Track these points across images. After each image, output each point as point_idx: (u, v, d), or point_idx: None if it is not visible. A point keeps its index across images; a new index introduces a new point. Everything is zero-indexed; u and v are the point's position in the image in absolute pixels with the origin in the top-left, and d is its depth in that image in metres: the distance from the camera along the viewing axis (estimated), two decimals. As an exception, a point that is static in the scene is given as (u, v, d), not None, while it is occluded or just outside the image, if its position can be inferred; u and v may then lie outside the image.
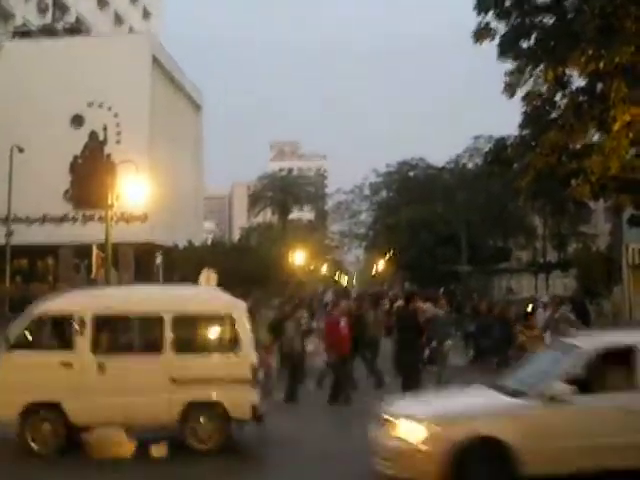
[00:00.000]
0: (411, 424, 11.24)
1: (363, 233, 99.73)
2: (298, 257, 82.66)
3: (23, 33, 63.01)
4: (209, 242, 69.72)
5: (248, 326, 15.22)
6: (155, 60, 63.26)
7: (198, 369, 14.76)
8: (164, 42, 68.13)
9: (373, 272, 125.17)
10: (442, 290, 63.37)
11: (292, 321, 22.20)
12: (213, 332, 15.64)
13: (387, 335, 27.06)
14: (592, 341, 12.52)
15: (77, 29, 66.70)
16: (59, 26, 66.29)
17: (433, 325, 22.07)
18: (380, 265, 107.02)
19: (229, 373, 14.66)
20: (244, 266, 56.00)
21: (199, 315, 15.57)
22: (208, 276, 36.80)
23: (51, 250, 59.04)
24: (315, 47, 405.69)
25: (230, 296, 16.08)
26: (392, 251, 76.15)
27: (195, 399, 14.57)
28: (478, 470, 10.82)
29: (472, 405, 11.84)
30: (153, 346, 15.03)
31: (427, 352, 19.27)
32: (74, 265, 58.01)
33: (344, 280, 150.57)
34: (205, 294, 18.17)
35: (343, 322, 20.22)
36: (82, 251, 53.00)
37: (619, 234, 39.94)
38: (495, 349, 25.94)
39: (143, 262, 58.32)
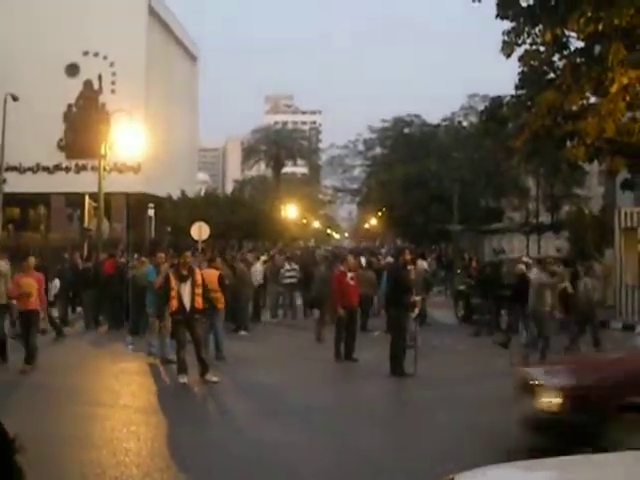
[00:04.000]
0: None
1: (356, 189, 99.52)
2: (291, 211, 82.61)
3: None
4: (202, 193, 69.52)
5: None
6: (151, 10, 62.67)
7: None
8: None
9: (365, 228, 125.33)
10: (433, 248, 63.64)
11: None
12: None
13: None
14: None
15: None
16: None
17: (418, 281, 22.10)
18: (372, 221, 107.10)
19: None
20: (237, 218, 55.93)
21: None
22: (200, 228, 36.82)
23: (43, 199, 58.92)
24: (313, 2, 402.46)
25: None
26: (384, 208, 76.03)
27: None
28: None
29: None
30: None
31: (416, 311, 19.21)
32: (66, 215, 57.92)
33: (336, 235, 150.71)
34: None
35: (350, 276, 20.14)
36: (74, 201, 52.66)
37: (612, 197, 39.91)
38: (485, 308, 26.11)
39: (136, 212, 58.24)
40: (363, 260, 32.45)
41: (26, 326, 17.36)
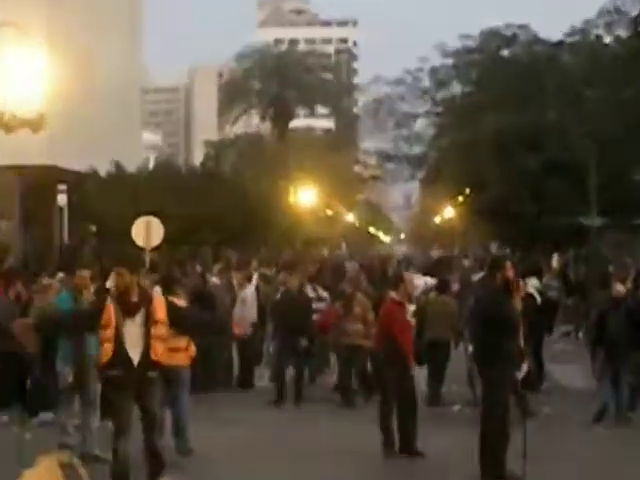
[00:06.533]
0: None
1: (418, 155, 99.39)
2: (306, 195, 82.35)
3: None
4: (151, 166, 69.76)
5: None
6: None
7: None
8: None
9: (435, 223, 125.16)
10: (555, 257, 63.56)
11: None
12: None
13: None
14: None
15: None
16: None
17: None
18: (447, 213, 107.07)
19: None
20: (212, 209, 56.01)
21: None
22: (147, 226, 36.83)
23: None
24: None
25: None
26: (468, 188, 75.93)
27: None
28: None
29: None
30: None
31: (524, 368, 18.88)
32: None
33: (384, 237, 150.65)
34: None
35: (410, 311, 20.13)
36: None
37: None
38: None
39: (37, 200, 58.31)
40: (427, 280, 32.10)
41: None
